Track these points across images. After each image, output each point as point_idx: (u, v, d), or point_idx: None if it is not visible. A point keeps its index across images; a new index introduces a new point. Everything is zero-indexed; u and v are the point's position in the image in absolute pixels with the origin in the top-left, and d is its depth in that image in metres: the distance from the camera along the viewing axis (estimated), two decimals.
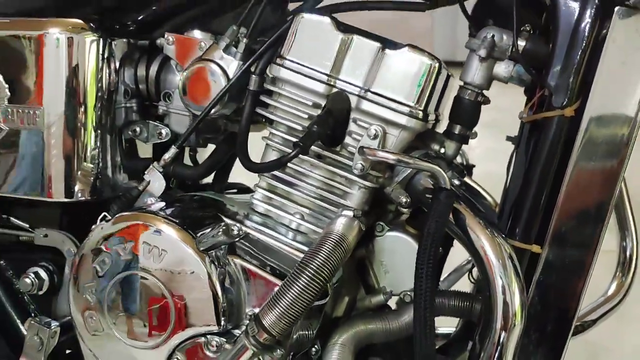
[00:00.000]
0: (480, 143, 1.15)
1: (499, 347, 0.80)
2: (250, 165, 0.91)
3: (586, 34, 0.82)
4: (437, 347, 1.10)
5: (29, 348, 0.98)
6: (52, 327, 0.98)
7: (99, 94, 0.99)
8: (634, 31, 0.81)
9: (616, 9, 0.80)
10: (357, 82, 0.88)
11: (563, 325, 0.86)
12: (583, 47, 0.82)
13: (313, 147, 0.88)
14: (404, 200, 0.89)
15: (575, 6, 0.83)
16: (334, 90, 0.89)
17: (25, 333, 1.00)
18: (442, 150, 0.97)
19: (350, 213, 0.88)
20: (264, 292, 0.86)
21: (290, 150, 0.86)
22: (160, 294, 0.85)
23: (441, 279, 1.15)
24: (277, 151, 0.93)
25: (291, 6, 1.14)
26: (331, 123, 0.87)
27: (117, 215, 0.88)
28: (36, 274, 1.02)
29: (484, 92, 0.95)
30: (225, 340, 0.84)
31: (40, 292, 1.02)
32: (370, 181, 0.89)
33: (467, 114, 0.96)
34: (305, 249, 0.90)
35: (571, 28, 0.83)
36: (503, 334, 0.80)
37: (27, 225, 1.04)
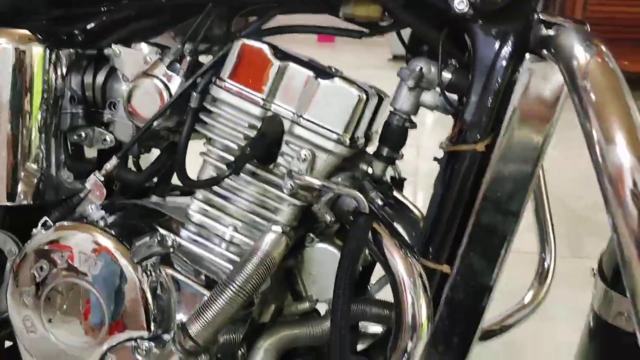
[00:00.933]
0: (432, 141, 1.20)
1: (406, 355, 0.88)
2: (186, 182, 0.96)
3: (500, 75, 0.90)
4: (362, 347, 1.18)
5: None
6: None
7: (45, 99, 1.03)
8: (541, 78, 0.89)
9: (527, 55, 0.88)
10: (290, 108, 0.95)
11: (467, 338, 0.96)
12: (496, 89, 0.90)
13: (248, 165, 0.95)
14: (329, 219, 0.96)
15: (492, 50, 0.90)
16: (269, 113, 0.95)
17: None
18: (370, 170, 1.04)
19: (279, 229, 0.95)
20: (192, 301, 0.92)
21: (226, 167, 0.92)
22: (95, 300, 0.91)
23: (373, 282, 1.24)
24: (214, 167, 0.99)
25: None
26: (265, 144, 0.93)
27: (57, 225, 0.93)
28: None
29: (412, 117, 1.03)
30: (154, 344, 0.91)
31: None
32: (299, 199, 0.96)
33: (394, 137, 1.03)
34: (237, 259, 0.97)
35: (487, 69, 0.91)
36: (410, 343, 0.88)
37: None
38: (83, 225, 0.92)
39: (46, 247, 0.92)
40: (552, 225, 1.37)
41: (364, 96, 0.93)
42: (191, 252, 0.96)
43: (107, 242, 0.90)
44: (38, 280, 0.92)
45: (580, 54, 0.62)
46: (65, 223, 0.93)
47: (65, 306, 0.92)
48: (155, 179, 1.19)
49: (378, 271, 1.10)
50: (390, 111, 1.03)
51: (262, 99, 0.95)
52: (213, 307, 0.84)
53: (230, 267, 0.95)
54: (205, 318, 0.84)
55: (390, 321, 0.99)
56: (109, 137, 1.10)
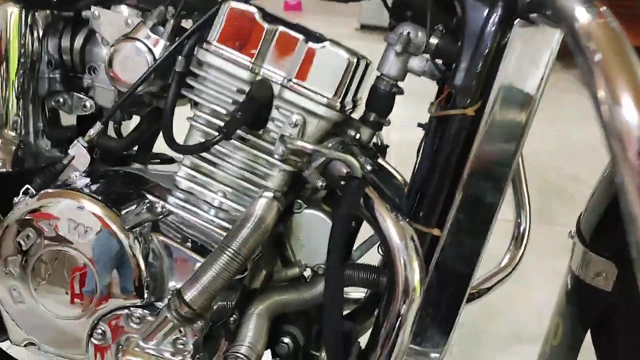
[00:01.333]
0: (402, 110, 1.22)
1: (399, 318, 0.90)
2: (174, 147, 0.95)
3: (489, 41, 0.90)
4: (346, 312, 1.20)
5: None
6: None
7: (21, 63, 0.99)
8: (531, 42, 0.89)
9: (516, 20, 0.89)
10: (280, 72, 0.93)
11: (456, 300, 0.97)
12: (486, 53, 0.90)
13: (237, 130, 0.93)
14: (320, 184, 0.96)
15: (481, 15, 0.90)
16: (258, 77, 0.94)
17: None
18: (357, 136, 1.04)
19: (270, 194, 0.95)
20: (185, 267, 0.92)
21: (214, 132, 0.90)
22: (85, 269, 0.89)
23: (354, 248, 1.25)
24: (201, 132, 0.97)
25: None
26: (254, 109, 0.92)
27: (42, 192, 0.91)
28: None
29: (398, 83, 1.03)
30: (148, 312, 0.90)
31: None
32: (290, 165, 0.95)
33: (381, 103, 1.03)
34: (227, 225, 0.96)
35: (477, 35, 0.91)
36: (403, 306, 0.89)
37: None
38: (70, 192, 0.89)
39: (32, 215, 0.89)
40: (528, 192, 1.41)
41: (354, 60, 0.93)
42: (180, 218, 0.95)
43: (96, 209, 0.88)
44: (25, 249, 0.89)
45: (583, 15, 0.62)
46: (50, 190, 0.90)
47: (54, 275, 0.89)
48: (135, 147, 1.17)
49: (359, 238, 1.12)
50: (377, 76, 1.02)
51: (251, 63, 0.93)
52: (209, 273, 0.84)
53: (221, 232, 0.95)
54: (200, 284, 0.84)
55: (377, 286, 1.00)
56: (88, 103, 1.07)
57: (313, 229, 1.04)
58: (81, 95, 1.07)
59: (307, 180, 0.99)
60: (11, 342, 0.97)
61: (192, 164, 0.99)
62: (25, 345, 0.97)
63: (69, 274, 0.89)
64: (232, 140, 0.95)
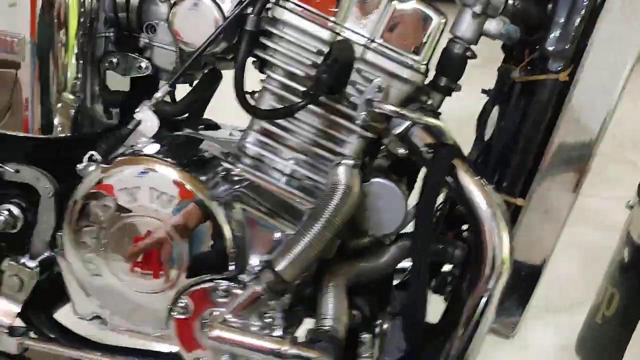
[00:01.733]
0: None
1: (487, 292, 0.87)
2: (254, 110, 0.89)
3: (585, 2, 0.87)
4: (396, 282, 1.17)
5: (8, 289, 0.94)
6: (33, 268, 0.94)
7: (81, 23, 0.92)
8: (628, 3, 0.86)
9: None
10: (363, 32, 0.88)
11: (535, 271, 0.95)
12: (581, 16, 0.87)
13: None
14: (401, 151, 0.92)
15: None
16: (339, 37, 0.89)
17: None
18: (429, 102, 1.00)
19: (350, 162, 0.90)
20: (266, 238, 0.87)
21: (289, 96, 0.86)
22: (168, 239, 0.84)
23: None
24: (275, 96, 0.92)
25: None
26: (336, 72, 0.87)
27: (119, 159, 0.85)
28: (9, 211, 0.96)
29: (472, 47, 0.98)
30: (234, 285, 0.85)
31: (13, 231, 0.97)
32: (370, 131, 0.91)
33: (454, 67, 0.98)
34: (298, 194, 0.92)
35: None
36: (492, 280, 0.86)
37: None
38: (149, 159, 0.84)
39: (108, 184, 0.84)
40: None
41: (443, 20, 0.88)
42: (257, 185, 0.90)
43: (179, 177, 0.83)
44: (102, 219, 0.84)
45: None
46: (127, 157, 0.84)
47: (133, 247, 0.84)
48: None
49: None
50: (450, 39, 0.98)
51: (332, 22, 0.88)
52: (301, 244, 0.80)
53: (294, 200, 0.90)
54: (293, 255, 0.79)
55: (452, 259, 0.97)
56: (144, 64, 1.00)
57: (381, 198, 1.00)
58: (136, 56, 1.00)
59: (380, 148, 0.95)
60: (76, 314, 0.93)
61: (262, 129, 0.94)
62: (90, 319, 0.92)
63: (150, 246, 0.84)
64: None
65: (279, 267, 0.80)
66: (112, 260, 0.87)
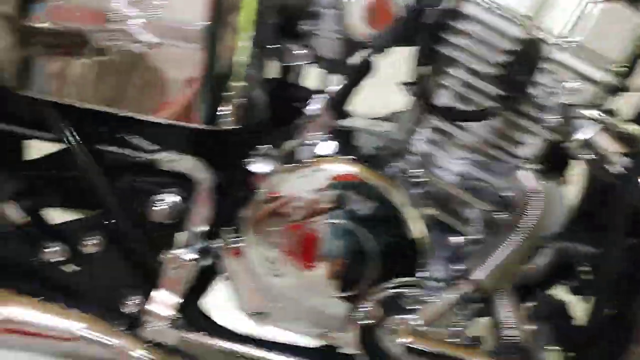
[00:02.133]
0: None
1: None
2: (443, 112, 0.86)
3: None
4: None
5: (169, 281, 0.92)
6: (191, 260, 0.93)
7: (254, 6, 0.88)
8: None
9: None
10: (555, 30, 0.84)
11: None
12: None
13: None
14: (587, 157, 0.87)
15: None
16: (529, 35, 0.84)
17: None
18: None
19: (531, 166, 0.87)
20: (443, 242, 0.84)
21: (468, 95, 0.83)
22: (362, 243, 0.81)
23: None
24: (454, 93, 0.88)
25: None
26: (526, 72, 0.83)
27: (318, 158, 0.81)
28: (172, 202, 0.93)
29: None
30: (422, 292, 0.83)
31: (174, 221, 0.95)
32: (556, 135, 0.87)
33: None
34: (470, 197, 0.89)
35: None
36: None
37: (155, 147, 0.94)
38: (338, 160, 0.80)
39: (298, 181, 0.80)
40: None
41: None
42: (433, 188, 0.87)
43: (371, 177, 0.79)
44: (292, 220, 0.81)
45: None
46: (318, 159, 0.81)
47: (324, 250, 0.81)
48: None
49: None
50: None
51: (524, 18, 0.83)
52: (502, 254, 0.77)
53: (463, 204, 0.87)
54: (493, 265, 0.77)
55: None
56: (304, 52, 0.96)
57: (549, 200, 0.97)
58: (294, 44, 0.96)
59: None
60: (240, 309, 0.91)
61: (435, 127, 0.90)
62: (251, 315, 0.91)
63: (341, 249, 0.81)
64: None
65: (480, 276, 0.77)
66: (297, 262, 0.84)
